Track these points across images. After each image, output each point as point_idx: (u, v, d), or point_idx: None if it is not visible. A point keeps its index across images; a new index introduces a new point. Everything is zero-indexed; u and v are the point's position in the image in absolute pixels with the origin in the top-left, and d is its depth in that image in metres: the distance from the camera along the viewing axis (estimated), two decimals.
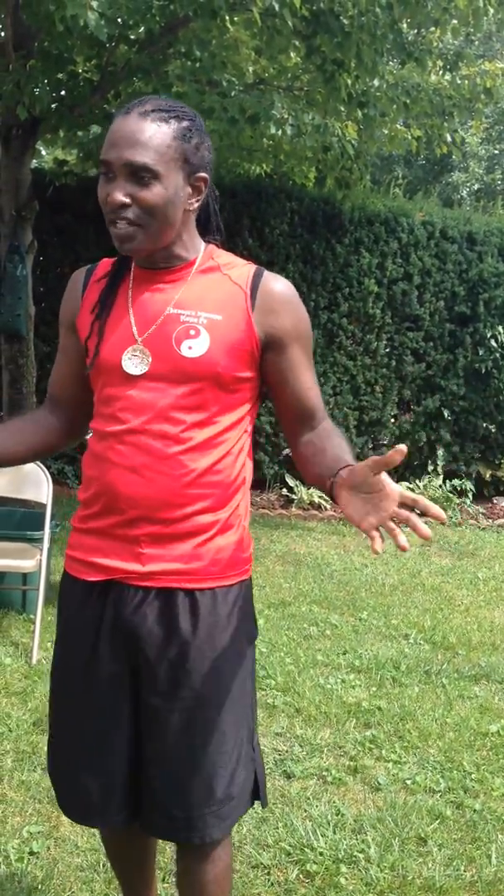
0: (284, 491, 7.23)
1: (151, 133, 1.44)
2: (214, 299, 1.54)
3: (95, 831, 2.38)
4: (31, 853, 2.28)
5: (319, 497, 7.07)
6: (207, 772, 1.54)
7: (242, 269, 1.59)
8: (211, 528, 1.54)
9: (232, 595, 1.58)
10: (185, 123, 1.48)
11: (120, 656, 1.56)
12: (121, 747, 1.58)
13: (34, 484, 3.71)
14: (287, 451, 7.36)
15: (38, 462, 3.74)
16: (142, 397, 1.51)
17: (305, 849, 2.38)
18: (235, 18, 5.38)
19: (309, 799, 2.64)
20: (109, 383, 1.55)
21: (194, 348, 1.49)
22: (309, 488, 7.15)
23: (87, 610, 1.59)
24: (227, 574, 1.57)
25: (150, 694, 1.54)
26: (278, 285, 1.58)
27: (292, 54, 5.68)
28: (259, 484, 7.25)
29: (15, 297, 5.56)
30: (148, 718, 1.56)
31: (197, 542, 1.53)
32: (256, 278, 1.57)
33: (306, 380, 1.61)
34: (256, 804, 1.67)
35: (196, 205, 1.55)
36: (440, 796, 2.71)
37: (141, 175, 1.44)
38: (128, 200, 1.45)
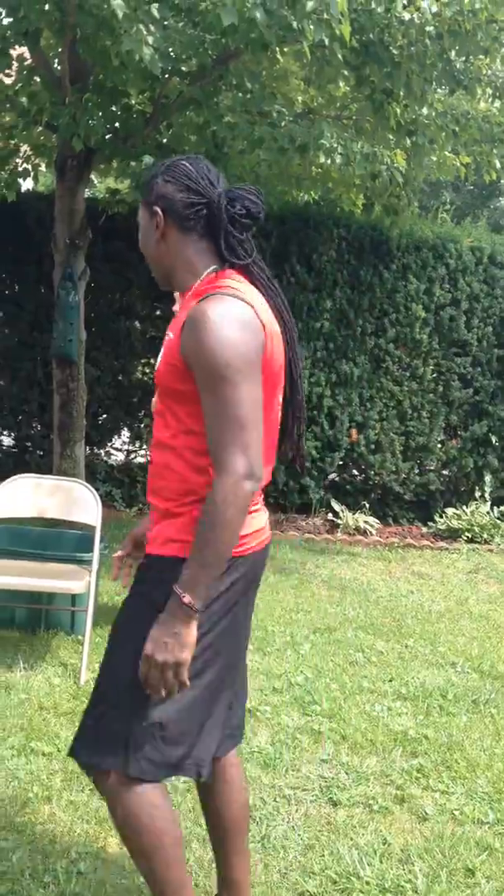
0: (330, 516, 7.22)
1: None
2: (178, 320, 1.74)
3: None
4: (79, 873, 2.30)
5: (365, 522, 7.04)
6: (93, 697, 1.90)
7: (207, 293, 1.72)
8: (162, 516, 1.82)
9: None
10: (151, 173, 1.82)
11: None
12: None
13: (84, 506, 3.77)
14: (333, 475, 7.36)
15: (86, 484, 3.81)
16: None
17: (352, 877, 2.37)
18: (286, 50, 5.47)
19: (355, 827, 2.62)
20: None
21: (157, 362, 1.80)
22: (354, 513, 7.13)
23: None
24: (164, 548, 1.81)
25: None
26: (196, 310, 1.68)
27: (341, 84, 5.74)
28: (304, 508, 7.25)
29: (67, 322, 5.67)
30: None
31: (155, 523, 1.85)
32: (199, 301, 1.70)
33: (205, 406, 1.69)
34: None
35: (158, 235, 1.79)
36: (489, 828, 2.67)
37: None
38: None
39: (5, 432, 7.12)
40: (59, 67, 5.31)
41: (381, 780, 2.93)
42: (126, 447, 7.32)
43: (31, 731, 3.04)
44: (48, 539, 4.17)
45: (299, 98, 6.00)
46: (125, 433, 7.30)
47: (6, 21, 4.58)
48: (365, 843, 2.54)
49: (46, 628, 3.96)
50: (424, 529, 7.34)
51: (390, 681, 3.82)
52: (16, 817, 2.53)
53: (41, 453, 6.93)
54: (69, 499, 3.79)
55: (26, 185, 7.09)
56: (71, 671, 3.60)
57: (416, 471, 7.48)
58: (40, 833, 2.47)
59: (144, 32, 3.76)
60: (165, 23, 4.03)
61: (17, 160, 5.90)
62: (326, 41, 4.01)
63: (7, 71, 5.32)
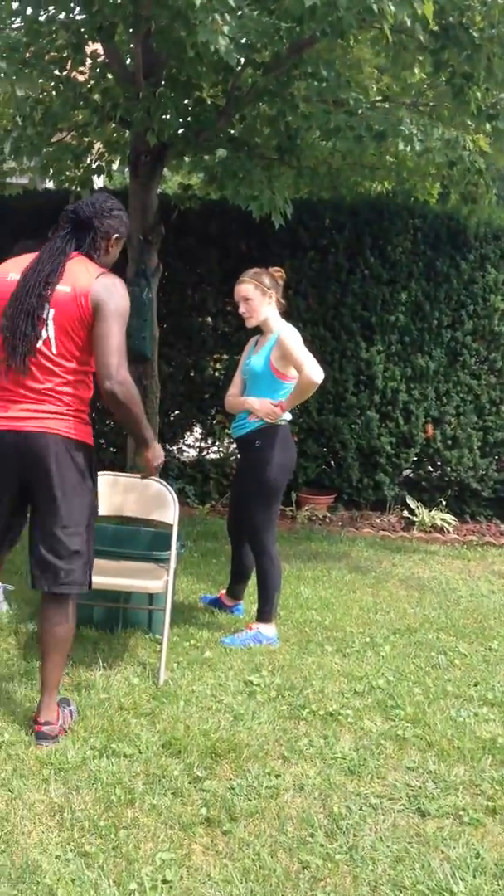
0: (405, 513, 7.06)
1: None
2: None
3: (228, 860, 2.35)
4: (165, 881, 2.25)
5: (442, 520, 6.87)
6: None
7: None
8: None
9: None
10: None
11: None
12: None
13: (161, 504, 3.73)
14: (408, 471, 7.20)
15: (163, 482, 3.77)
16: None
17: (444, 893, 2.27)
18: (359, 38, 5.34)
19: (446, 839, 2.52)
20: None
21: None
22: (430, 510, 6.96)
23: None
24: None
25: None
26: None
27: (416, 70, 5.59)
28: (379, 505, 7.12)
29: (140, 319, 5.66)
30: None
31: None
32: None
33: None
34: None
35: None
36: None
37: None
38: None
39: None
40: (132, 62, 5.29)
41: (470, 789, 2.81)
42: (198, 444, 7.29)
43: (111, 732, 3.01)
44: (124, 537, 4.15)
45: (374, 87, 5.86)
46: (197, 430, 7.27)
47: (80, 17, 4.57)
48: (457, 856, 2.43)
49: (124, 627, 3.94)
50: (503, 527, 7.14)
51: (475, 685, 3.69)
52: (99, 821, 2.50)
53: (115, 450, 6.95)
54: (146, 496, 3.75)
55: (100, 182, 7.12)
56: (150, 671, 3.57)
57: (495, 467, 7.26)
58: (123, 838, 2.43)
59: (220, 22, 3.69)
60: (240, 12, 3.96)
61: (91, 157, 5.89)
62: (408, 21, 3.88)
63: (81, 68, 5.33)
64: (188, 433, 7.28)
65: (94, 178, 6.09)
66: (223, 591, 4.44)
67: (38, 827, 2.46)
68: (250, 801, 2.67)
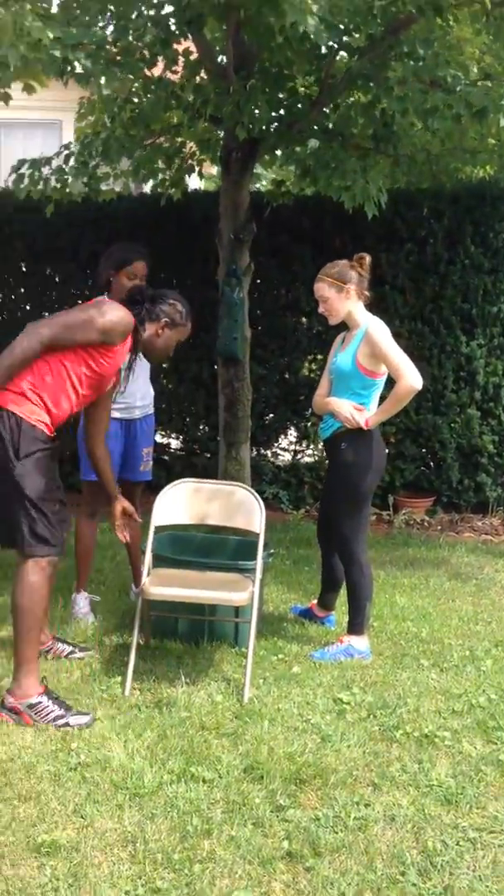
0: None
1: None
2: None
3: None
4: None
5: None
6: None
7: None
8: None
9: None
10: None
11: None
12: None
13: (246, 511, 3.57)
14: None
15: (248, 488, 3.60)
16: None
17: None
18: (458, 16, 5.05)
19: None
20: None
21: None
22: None
23: None
24: None
25: None
26: None
27: None
28: (480, 508, 6.76)
29: (231, 320, 5.52)
30: None
31: None
32: None
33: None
34: None
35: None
36: None
37: None
38: None
39: (173, 435, 7.09)
40: (222, 59, 5.16)
41: None
42: (293, 447, 7.11)
43: (191, 754, 2.85)
44: (211, 546, 4.01)
45: (475, 67, 5.53)
46: (292, 433, 7.09)
47: (168, 9, 4.47)
48: None
49: (209, 640, 3.79)
50: None
51: None
52: (173, 853, 2.34)
53: (209, 455, 6.84)
54: (231, 504, 3.60)
55: (193, 184, 7.06)
56: (234, 687, 3.40)
57: None
58: (199, 873, 2.27)
59: (309, 1, 3.49)
60: None
61: (183, 157, 5.79)
62: None
63: (174, 69, 5.23)
64: (282, 436, 7.10)
65: (187, 177, 5.99)
66: (314, 602, 4.23)
67: (109, 858, 2.33)
68: (336, 833, 2.47)
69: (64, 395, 3.12)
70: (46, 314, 6.66)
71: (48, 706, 3.02)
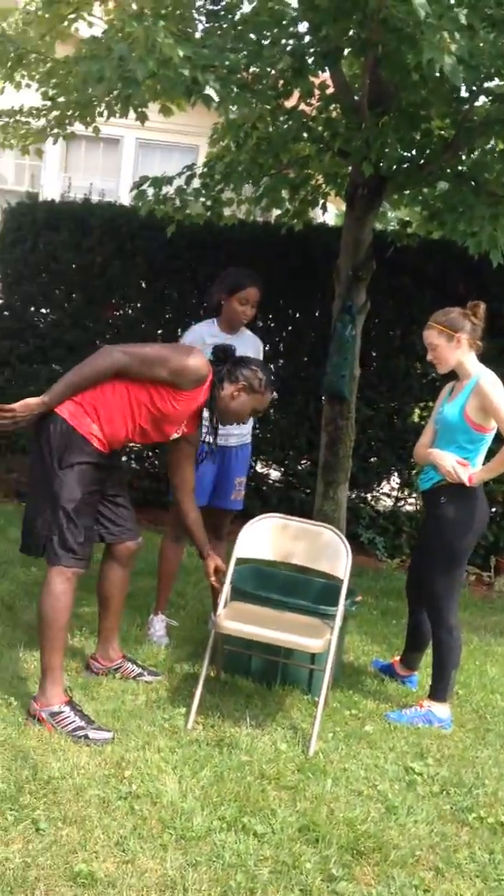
0: None
1: None
2: None
3: None
4: None
5: None
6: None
7: None
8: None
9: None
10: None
11: None
12: None
13: (332, 555, 3.42)
14: None
15: (336, 531, 3.46)
16: None
17: None
18: None
19: None
20: None
21: None
22: None
23: None
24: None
25: None
26: None
27: None
28: None
29: (342, 357, 5.39)
30: None
31: None
32: None
33: None
34: None
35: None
36: None
37: None
38: None
39: (274, 466, 7.00)
40: (356, 96, 5.11)
41: None
42: (394, 493, 6.90)
43: (246, 803, 2.71)
44: (294, 585, 3.87)
45: None
46: (395, 478, 6.88)
47: (307, 39, 4.44)
48: None
49: (282, 683, 3.63)
50: None
51: None
52: None
53: (307, 492, 6.71)
54: (317, 545, 3.45)
55: (321, 218, 7.01)
56: (300, 737, 3.23)
57: None
58: None
59: (448, 40, 3.39)
60: (472, 31, 3.64)
61: (309, 189, 5.74)
62: None
63: (309, 101, 5.21)
64: (385, 481, 6.90)
65: (311, 211, 5.95)
66: (396, 658, 4.02)
67: None
68: None
69: (120, 416, 3.12)
70: (161, 332, 6.79)
71: (69, 716, 3.01)
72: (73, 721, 3.00)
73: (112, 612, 3.48)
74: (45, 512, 3.07)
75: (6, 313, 7.17)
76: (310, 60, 4.51)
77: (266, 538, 3.52)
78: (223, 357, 3.32)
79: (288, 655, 3.55)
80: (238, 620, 3.21)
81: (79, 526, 3.05)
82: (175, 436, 3.31)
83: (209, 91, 3.66)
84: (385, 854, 2.54)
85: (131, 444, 6.97)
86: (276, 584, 3.82)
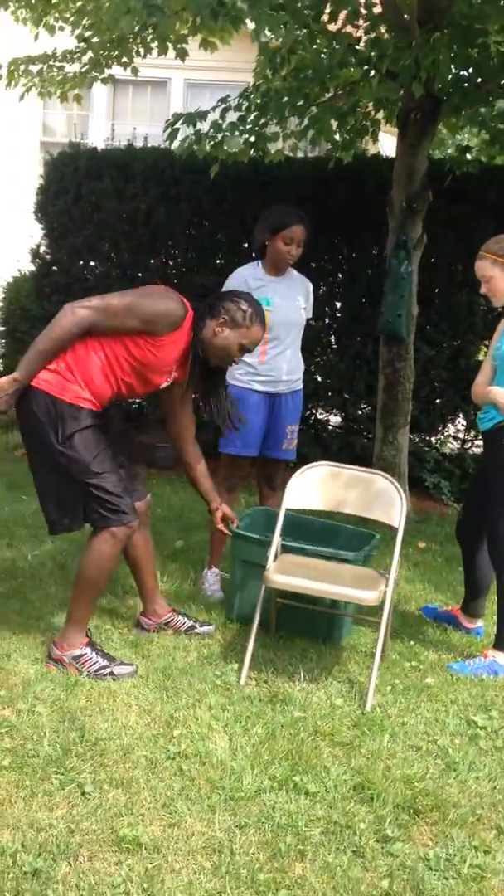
0: None
1: None
2: None
3: None
4: None
5: None
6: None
7: None
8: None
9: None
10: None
11: None
12: None
13: (386, 503, 3.26)
14: None
15: (389, 478, 3.29)
16: None
17: None
18: None
19: None
20: None
21: None
22: None
23: None
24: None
25: None
26: None
27: None
28: None
29: (397, 295, 5.15)
30: None
31: None
32: None
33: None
34: None
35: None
36: None
37: None
38: None
39: (334, 411, 6.82)
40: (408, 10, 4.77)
41: None
42: (461, 435, 6.65)
43: (298, 761, 2.62)
44: (323, 531, 3.70)
45: None
46: (460, 420, 6.62)
47: None
48: None
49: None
50: None
51: None
52: (259, 872, 2.12)
53: (369, 437, 6.51)
54: (370, 493, 3.29)
55: (375, 149, 6.69)
56: (357, 692, 3.12)
57: None
58: None
59: None
60: None
61: (357, 117, 5.42)
62: None
63: (355, 23, 4.89)
64: (450, 423, 6.65)
65: (360, 141, 5.64)
66: (456, 607, 3.86)
67: (191, 865, 2.14)
68: (446, 879, 2.17)
69: (100, 374, 2.96)
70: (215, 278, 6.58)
71: (92, 657, 3.02)
72: (97, 661, 3.01)
73: (146, 573, 3.41)
74: (61, 491, 2.96)
75: (54, 268, 7.07)
76: None
77: (316, 487, 3.37)
78: (205, 293, 3.09)
79: (345, 607, 3.42)
80: (288, 574, 3.09)
81: (107, 487, 2.94)
82: (165, 384, 3.14)
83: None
84: (444, 813, 2.43)
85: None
86: (302, 531, 3.67)
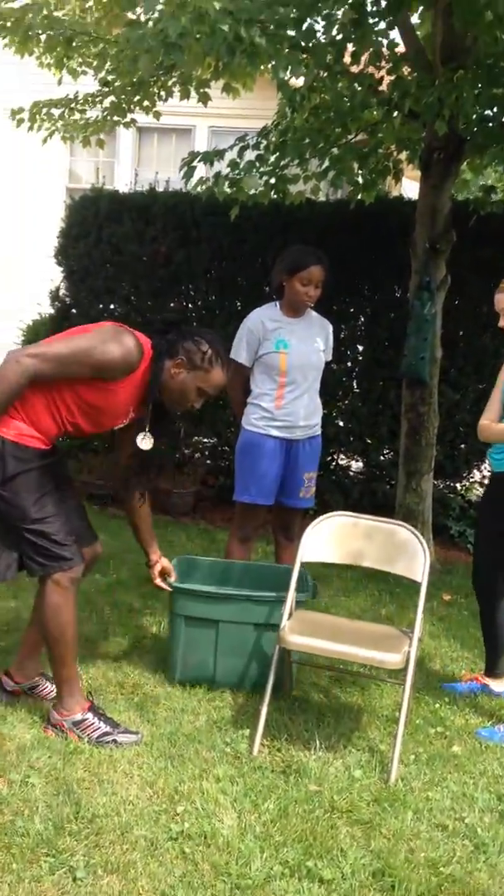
0: None
1: None
2: None
3: None
4: None
5: None
6: None
7: None
8: None
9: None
10: None
11: None
12: None
13: (409, 556, 3.06)
14: None
15: (412, 529, 3.10)
16: None
17: None
18: None
19: None
20: None
21: None
22: None
23: None
24: None
25: None
26: None
27: None
28: None
29: (420, 338, 4.99)
30: None
31: None
32: None
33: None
34: None
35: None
36: None
37: None
38: None
39: (355, 457, 6.63)
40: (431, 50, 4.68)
41: None
42: (486, 482, 6.42)
43: (312, 843, 2.39)
44: (245, 573, 3.51)
45: None
46: (485, 466, 6.40)
47: None
48: None
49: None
50: None
51: None
52: None
53: (392, 483, 6.31)
54: (391, 544, 3.10)
55: (397, 192, 6.58)
56: (378, 762, 2.89)
57: None
58: None
59: None
60: None
61: (378, 158, 5.31)
62: None
63: (378, 65, 4.81)
64: (475, 469, 6.43)
65: (382, 182, 5.54)
66: (477, 675, 3.59)
67: None
68: None
69: (46, 414, 2.74)
70: (235, 324, 6.46)
71: (94, 723, 2.84)
72: (99, 727, 2.82)
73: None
74: (9, 535, 2.75)
75: (74, 311, 7.00)
76: (371, 9, 4.09)
77: (333, 539, 3.18)
78: (166, 329, 2.85)
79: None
80: (304, 635, 2.88)
81: (47, 531, 2.72)
82: (120, 426, 2.91)
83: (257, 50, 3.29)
84: None
85: (197, 440, 6.73)
86: (221, 575, 3.51)
